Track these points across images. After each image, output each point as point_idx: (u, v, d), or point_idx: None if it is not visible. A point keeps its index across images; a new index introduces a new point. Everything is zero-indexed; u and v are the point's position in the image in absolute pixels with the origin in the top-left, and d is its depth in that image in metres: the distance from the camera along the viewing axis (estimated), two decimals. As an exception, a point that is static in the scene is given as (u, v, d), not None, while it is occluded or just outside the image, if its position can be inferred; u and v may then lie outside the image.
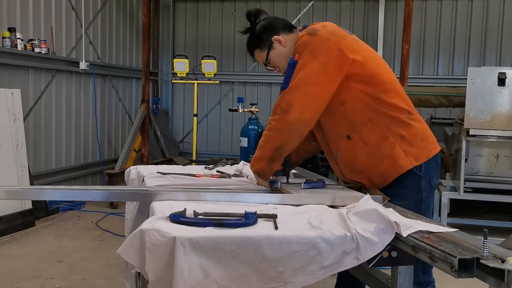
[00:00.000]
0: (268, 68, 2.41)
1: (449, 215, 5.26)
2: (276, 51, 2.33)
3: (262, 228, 1.65)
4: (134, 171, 2.85)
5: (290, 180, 2.34)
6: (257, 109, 6.72)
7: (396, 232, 1.63)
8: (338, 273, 2.45)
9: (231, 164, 3.08)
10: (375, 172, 2.20)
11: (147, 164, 6.77)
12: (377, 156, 2.17)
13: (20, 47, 5.78)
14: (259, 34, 2.36)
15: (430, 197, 2.26)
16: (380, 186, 2.21)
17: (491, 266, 1.31)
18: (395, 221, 1.63)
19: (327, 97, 2.13)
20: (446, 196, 5.20)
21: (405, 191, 2.16)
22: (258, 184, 2.28)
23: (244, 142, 6.61)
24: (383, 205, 1.92)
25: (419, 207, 2.15)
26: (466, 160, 4.95)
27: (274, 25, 2.36)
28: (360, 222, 1.67)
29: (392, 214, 1.71)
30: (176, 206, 1.83)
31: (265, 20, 2.39)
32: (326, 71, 2.10)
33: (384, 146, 2.16)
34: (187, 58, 6.75)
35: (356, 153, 2.21)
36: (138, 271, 1.71)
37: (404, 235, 1.60)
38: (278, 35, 2.33)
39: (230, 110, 6.97)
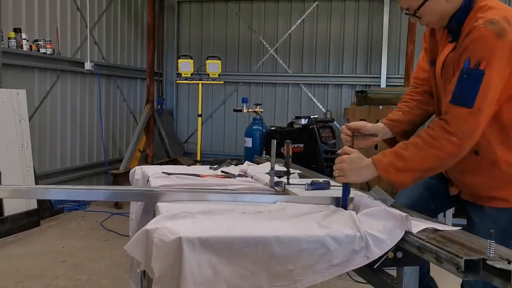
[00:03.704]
0: (409, 15, 1.99)
1: (454, 215, 5.24)
2: (434, 3, 1.92)
3: (271, 227, 1.65)
4: (139, 171, 2.86)
5: (296, 181, 2.34)
6: (262, 110, 6.72)
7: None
8: None
9: (236, 165, 3.07)
10: (485, 192, 2.04)
11: (152, 164, 6.78)
12: (499, 180, 2.01)
13: (25, 47, 5.80)
14: None
15: None
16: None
17: (498, 267, 1.31)
18: (406, 215, 1.64)
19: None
20: (451, 196, 5.17)
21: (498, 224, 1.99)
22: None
23: (249, 142, 6.61)
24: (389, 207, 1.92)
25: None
26: (471, 160, 4.93)
27: None
28: (369, 222, 1.67)
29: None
30: (182, 206, 1.84)
31: None
32: (504, 85, 1.84)
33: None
34: (191, 58, 6.75)
35: (476, 168, 2.02)
36: (144, 269, 1.71)
37: (414, 231, 1.61)
38: None
39: (234, 110, 6.97)
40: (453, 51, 1.97)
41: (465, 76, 1.83)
